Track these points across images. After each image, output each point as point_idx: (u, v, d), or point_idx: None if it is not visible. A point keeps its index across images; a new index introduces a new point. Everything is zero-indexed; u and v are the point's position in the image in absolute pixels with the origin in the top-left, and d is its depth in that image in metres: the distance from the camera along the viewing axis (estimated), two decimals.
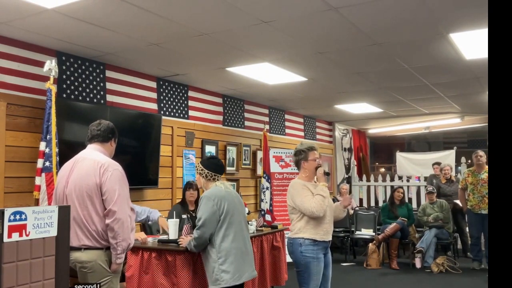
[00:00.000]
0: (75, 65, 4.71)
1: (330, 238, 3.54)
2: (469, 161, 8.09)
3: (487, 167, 6.39)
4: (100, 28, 3.90)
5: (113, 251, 2.74)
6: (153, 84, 5.69)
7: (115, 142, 3.04)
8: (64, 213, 2.11)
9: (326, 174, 3.55)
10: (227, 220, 3.20)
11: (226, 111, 6.96)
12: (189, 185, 4.77)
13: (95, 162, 2.81)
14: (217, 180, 3.37)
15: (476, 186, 6.38)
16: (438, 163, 8.19)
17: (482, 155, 6.41)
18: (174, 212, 3.95)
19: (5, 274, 1.83)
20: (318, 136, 9.69)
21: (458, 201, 7.06)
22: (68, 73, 4.63)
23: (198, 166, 3.44)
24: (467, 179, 6.51)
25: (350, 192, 9.58)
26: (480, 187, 6.33)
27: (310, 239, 3.40)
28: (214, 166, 3.40)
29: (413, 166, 10.62)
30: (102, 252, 2.77)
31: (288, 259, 5.54)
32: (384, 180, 9.69)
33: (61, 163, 3.44)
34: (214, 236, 3.18)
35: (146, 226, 4.65)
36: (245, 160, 7.27)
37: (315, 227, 3.41)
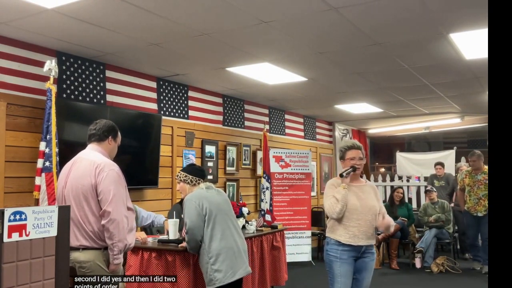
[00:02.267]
0: (75, 65, 4.70)
1: (361, 243, 3.27)
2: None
3: (484, 167, 6.37)
4: (100, 28, 3.90)
5: (110, 252, 2.76)
6: (153, 84, 5.69)
7: (114, 140, 3.03)
8: (64, 213, 2.11)
9: (340, 175, 3.37)
10: (211, 220, 3.24)
11: (226, 111, 6.96)
12: None
13: (91, 162, 2.82)
14: (201, 183, 3.48)
15: (472, 188, 6.37)
16: (440, 164, 8.19)
17: (476, 159, 6.36)
18: (174, 212, 3.94)
19: (5, 274, 1.83)
20: (318, 136, 9.67)
21: None
22: (68, 73, 4.62)
23: (180, 174, 3.54)
24: (465, 180, 6.50)
25: None
26: (476, 189, 6.32)
27: (335, 240, 3.34)
28: (196, 172, 3.54)
29: (413, 166, 10.62)
30: (100, 252, 2.78)
31: (288, 259, 5.55)
32: (384, 180, 9.69)
33: (61, 163, 3.45)
34: (203, 238, 3.21)
35: (147, 227, 4.64)
36: (245, 160, 7.26)
37: (341, 228, 3.31)
